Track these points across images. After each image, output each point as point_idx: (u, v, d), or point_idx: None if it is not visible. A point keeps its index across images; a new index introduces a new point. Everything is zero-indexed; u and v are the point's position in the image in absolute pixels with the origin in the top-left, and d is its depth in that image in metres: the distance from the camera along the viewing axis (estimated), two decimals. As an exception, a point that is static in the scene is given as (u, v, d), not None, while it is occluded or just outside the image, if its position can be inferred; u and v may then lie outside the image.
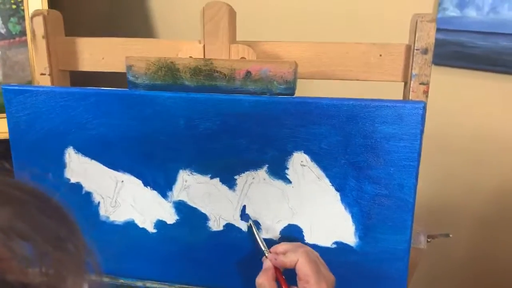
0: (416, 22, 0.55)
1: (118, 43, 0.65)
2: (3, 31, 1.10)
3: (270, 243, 0.58)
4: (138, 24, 1.28)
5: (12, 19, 1.09)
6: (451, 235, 0.66)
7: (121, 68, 0.64)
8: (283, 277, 0.52)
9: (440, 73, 0.97)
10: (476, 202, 1.01)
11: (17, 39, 1.10)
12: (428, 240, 0.63)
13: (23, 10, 1.08)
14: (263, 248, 0.55)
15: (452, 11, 0.98)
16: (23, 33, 1.08)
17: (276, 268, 0.53)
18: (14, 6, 1.09)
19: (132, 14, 1.29)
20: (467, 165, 1.00)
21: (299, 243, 0.54)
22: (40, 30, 0.64)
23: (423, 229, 0.63)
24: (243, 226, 0.60)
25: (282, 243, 0.54)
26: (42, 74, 0.65)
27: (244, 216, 0.59)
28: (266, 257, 0.54)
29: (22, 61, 1.08)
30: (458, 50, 1.00)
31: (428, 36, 0.55)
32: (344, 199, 0.56)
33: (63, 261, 0.27)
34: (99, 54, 0.66)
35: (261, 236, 0.57)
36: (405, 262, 0.57)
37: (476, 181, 1.00)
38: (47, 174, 0.63)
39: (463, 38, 0.98)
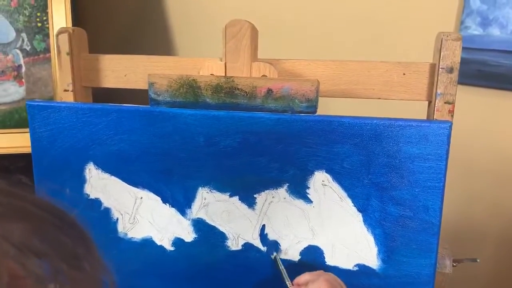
0: (441, 41, 0.54)
1: (140, 60, 0.65)
2: (28, 48, 1.12)
3: (289, 264, 0.56)
4: (158, 41, 1.30)
5: (37, 36, 1.12)
6: (478, 260, 0.63)
7: (142, 85, 0.65)
8: None
9: (463, 92, 0.95)
10: (501, 224, 0.98)
11: (41, 55, 1.13)
12: (454, 264, 0.60)
13: (48, 27, 1.10)
14: (286, 282, 0.54)
15: (474, 30, 0.97)
16: (47, 50, 1.11)
17: None
18: (39, 24, 1.12)
19: (153, 30, 1.31)
20: (492, 186, 0.97)
21: (321, 272, 0.53)
22: (64, 47, 0.65)
23: (449, 253, 0.60)
24: (262, 246, 0.58)
25: (304, 273, 0.53)
26: (65, 90, 0.66)
27: (263, 235, 0.58)
28: None
29: (45, 77, 1.11)
30: (481, 69, 0.98)
31: (453, 55, 0.54)
32: (367, 220, 0.55)
33: (78, 280, 0.27)
34: (121, 71, 0.66)
35: (284, 270, 0.56)
36: (430, 287, 0.55)
37: (501, 202, 0.97)
38: (66, 190, 0.63)
39: (486, 57, 0.97)
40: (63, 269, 0.26)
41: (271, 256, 0.58)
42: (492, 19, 0.94)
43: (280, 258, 0.57)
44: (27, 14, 1.09)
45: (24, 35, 1.10)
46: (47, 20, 1.09)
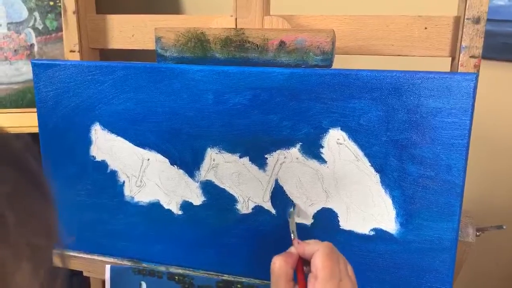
0: (467, -12, 0.50)
1: (148, 19, 0.63)
2: (40, 27, 1.11)
3: (302, 228, 0.54)
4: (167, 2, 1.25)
5: (49, 15, 1.11)
6: (505, 227, 0.59)
7: (151, 46, 0.63)
8: (304, 269, 0.46)
9: (487, 67, 0.91)
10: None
11: (53, 35, 1.12)
12: (478, 233, 0.57)
13: (60, 6, 1.09)
14: (291, 234, 0.50)
15: (500, 0, 0.92)
16: (59, 29, 1.09)
17: (300, 257, 0.46)
18: (51, 3, 1.10)
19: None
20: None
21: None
22: (71, 6, 0.63)
23: (472, 221, 0.57)
24: (273, 209, 0.56)
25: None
26: (71, 51, 0.64)
27: (274, 198, 0.55)
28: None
29: (58, 56, 1.09)
30: (507, 41, 0.93)
31: (480, 4, 0.50)
32: (385, 181, 0.51)
33: None
34: (129, 31, 0.64)
35: (295, 225, 0.52)
36: (452, 253, 0.51)
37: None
38: (72, 152, 0.61)
39: (512, 29, 0.92)
40: None
41: (289, 211, 0.54)
42: (519, -14, 0.89)
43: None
44: (39, -8, 1.07)
45: (36, 14, 1.09)
46: (59, -2, 1.08)
